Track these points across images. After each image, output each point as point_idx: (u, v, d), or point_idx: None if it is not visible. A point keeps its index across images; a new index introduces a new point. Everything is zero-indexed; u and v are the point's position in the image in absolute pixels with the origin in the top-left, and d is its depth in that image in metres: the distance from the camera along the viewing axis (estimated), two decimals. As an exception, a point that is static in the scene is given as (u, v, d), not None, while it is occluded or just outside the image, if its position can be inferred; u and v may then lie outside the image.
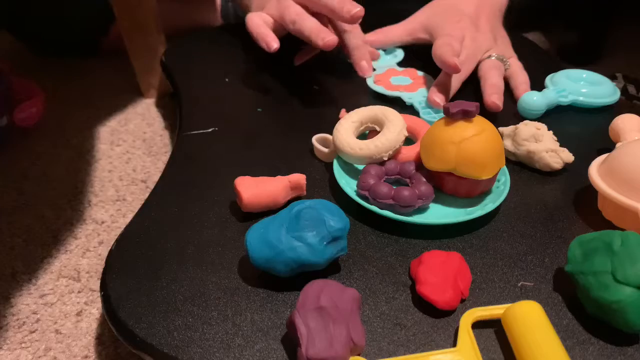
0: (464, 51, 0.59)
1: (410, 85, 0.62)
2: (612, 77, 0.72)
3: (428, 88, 0.62)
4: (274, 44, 0.57)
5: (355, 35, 0.62)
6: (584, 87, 0.61)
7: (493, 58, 0.62)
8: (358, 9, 0.55)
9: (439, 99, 0.57)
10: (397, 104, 0.60)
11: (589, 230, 0.45)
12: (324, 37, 0.54)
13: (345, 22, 0.58)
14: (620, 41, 0.94)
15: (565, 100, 0.60)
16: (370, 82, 0.63)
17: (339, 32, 0.63)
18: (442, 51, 0.57)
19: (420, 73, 0.65)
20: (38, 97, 0.68)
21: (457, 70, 0.56)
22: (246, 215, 0.44)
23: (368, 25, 0.65)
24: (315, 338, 0.32)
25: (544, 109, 0.58)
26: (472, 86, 0.62)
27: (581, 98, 0.60)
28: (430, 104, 0.58)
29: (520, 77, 0.63)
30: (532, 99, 0.58)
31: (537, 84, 0.62)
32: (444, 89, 0.59)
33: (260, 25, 0.59)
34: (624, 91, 0.70)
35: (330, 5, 0.56)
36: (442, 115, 0.57)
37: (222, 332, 0.35)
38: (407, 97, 0.60)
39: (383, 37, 0.69)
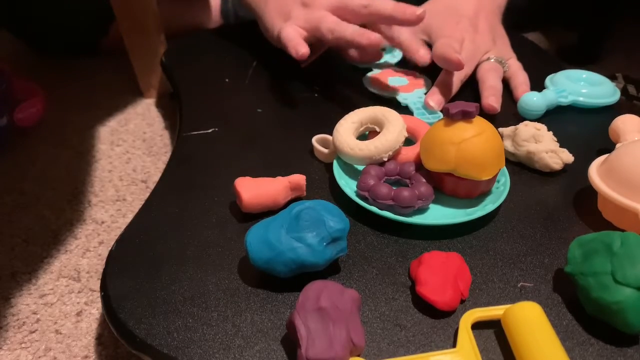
0: (463, 53, 0.59)
1: (406, 85, 0.62)
2: (612, 78, 0.72)
3: (424, 89, 0.62)
4: (301, 48, 0.55)
5: (403, 30, 0.63)
6: (584, 88, 0.61)
7: (492, 60, 0.62)
8: (422, 9, 0.55)
9: (434, 102, 0.58)
10: (394, 104, 0.60)
11: (588, 230, 0.45)
12: (369, 36, 0.53)
13: (410, 24, 0.57)
14: (620, 41, 0.94)
15: (565, 100, 0.60)
16: (366, 83, 0.63)
17: (384, 30, 0.63)
18: (443, 49, 0.57)
19: (417, 74, 0.65)
20: (38, 97, 0.68)
21: (460, 66, 0.56)
22: (246, 215, 0.44)
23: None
24: (315, 339, 0.32)
25: (543, 109, 0.58)
26: (471, 88, 0.62)
27: (581, 98, 0.60)
28: (425, 106, 0.58)
29: (520, 77, 0.63)
30: (532, 100, 0.58)
31: (537, 85, 0.62)
32: (442, 90, 0.59)
33: (295, 35, 0.57)
34: (624, 91, 0.70)
35: (388, 13, 0.56)
36: (436, 116, 0.57)
37: (222, 333, 0.35)
38: (402, 97, 0.60)
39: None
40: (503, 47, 0.65)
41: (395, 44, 0.64)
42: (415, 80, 0.64)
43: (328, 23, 0.56)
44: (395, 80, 0.63)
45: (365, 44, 0.53)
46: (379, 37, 0.53)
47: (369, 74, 0.65)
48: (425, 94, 0.60)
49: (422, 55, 0.60)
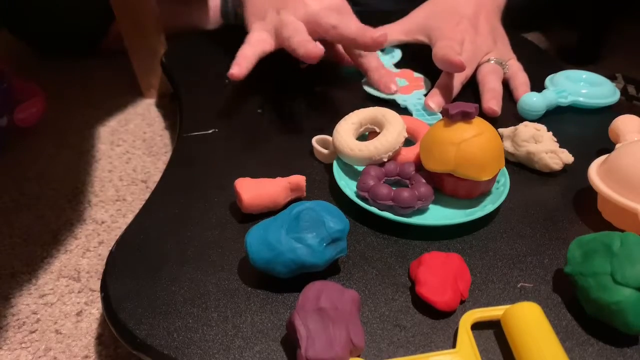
0: (464, 54, 0.59)
1: (405, 87, 0.62)
2: (612, 78, 0.72)
3: (423, 90, 0.62)
4: (235, 70, 0.54)
5: (372, 56, 0.62)
6: (584, 88, 0.61)
7: (492, 62, 0.62)
8: (380, 33, 0.54)
9: (434, 103, 0.58)
10: (394, 105, 0.60)
11: (588, 231, 0.45)
12: (307, 47, 0.52)
13: (368, 49, 0.56)
14: (620, 41, 0.94)
15: (565, 101, 0.60)
16: (366, 85, 0.63)
17: (355, 57, 0.63)
18: (445, 52, 0.56)
19: (416, 75, 0.65)
20: (38, 97, 0.68)
21: (462, 68, 0.55)
22: (246, 216, 0.44)
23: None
24: (314, 339, 0.32)
25: (543, 109, 0.58)
26: (471, 90, 0.62)
27: (581, 99, 0.60)
28: (425, 108, 0.58)
29: (520, 78, 0.63)
30: (531, 100, 0.58)
31: (537, 85, 0.62)
32: (443, 92, 0.59)
33: (246, 52, 0.57)
34: (623, 91, 0.70)
35: (350, 35, 0.55)
36: (435, 118, 0.57)
37: (221, 334, 0.35)
38: (401, 99, 0.60)
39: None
40: (503, 47, 0.65)
41: (362, 70, 0.63)
42: (414, 82, 0.64)
43: (287, 30, 0.55)
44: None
45: (302, 54, 0.52)
46: (318, 49, 0.51)
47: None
48: (425, 95, 0.60)
49: (390, 88, 0.61)
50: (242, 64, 0.55)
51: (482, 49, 0.62)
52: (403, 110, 0.59)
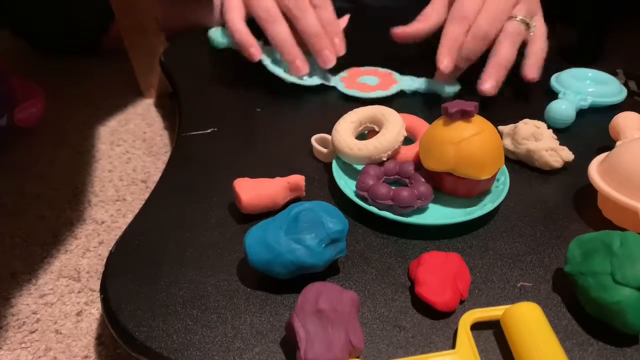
0: (482, 19, 0.55)
1: (380, 84, 0.62)
2: (613, 74, 0.71)
3: (399, 83, 0.62)
4: (257, 55, 0.60)
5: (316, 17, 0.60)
6: (591, 87, 0.60)
7: (517, 20, 0.57)
8: (305, 70, 0.60)
9: (444, 66, 0.56)
10: (397, 103, 0.59)
11: (588, 229, 0.45)
12: (298, 66, 0.60)
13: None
14: (620, 41, 0.94)
15: (586, 104, 0.59)
16: (342, 87, 0.62)
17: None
18: (439, 52, 0.56)
19: (383, 70, 0.65)
20: (38, 97, 0.68)
21: (444, 76, 0.56)
22: (245, 217, 0.44)
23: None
24: (314, 341, 0.32)
25: (574, 117, 0.56)
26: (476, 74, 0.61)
27: (594, 99, 0.59)
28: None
29: (536, 51, 0.59)
30: (560, 108, 0.56)
31: (541, 83, 0.62)
32: (450, 47, 0.56)
33: (241, 29, 0.60)
34: (625, 87, 0.70)
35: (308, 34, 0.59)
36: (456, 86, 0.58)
37: (221, 335, 0.35)
38: (406, 85, 0.61)
39: (427, 23, 0.62)
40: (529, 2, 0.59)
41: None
42: (384, 77, 0.64)
43: (260, 9, 0.59)
44: (367, 79, 0.63)
45: (292, 71, 0.61)
46: (305, 68, 0.60)
47: (340, 76, 0.64)
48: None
49: (326, 58, 0.60)
50: (253, 43, 0.60)
51: (507, 6, 0.57)
52: (407, 109, 0.58)
